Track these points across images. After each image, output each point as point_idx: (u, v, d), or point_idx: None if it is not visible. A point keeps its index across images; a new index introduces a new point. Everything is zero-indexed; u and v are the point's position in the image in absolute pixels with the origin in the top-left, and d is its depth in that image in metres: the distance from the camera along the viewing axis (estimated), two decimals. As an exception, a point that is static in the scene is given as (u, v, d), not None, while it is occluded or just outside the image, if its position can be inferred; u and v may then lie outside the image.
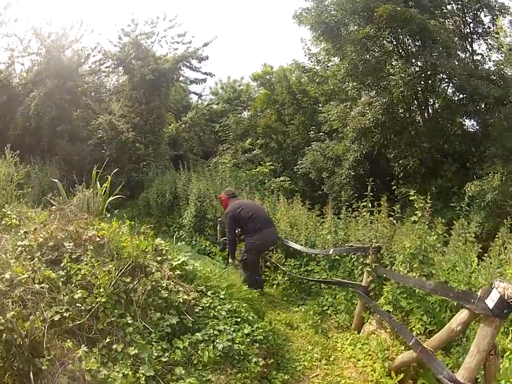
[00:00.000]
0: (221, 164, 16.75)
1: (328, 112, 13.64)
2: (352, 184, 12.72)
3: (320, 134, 15.14)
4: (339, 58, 13.51)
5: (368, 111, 12.02)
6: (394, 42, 12.71)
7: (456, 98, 12.74)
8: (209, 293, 4.47)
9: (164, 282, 4.10)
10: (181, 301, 3.99)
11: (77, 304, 3.41)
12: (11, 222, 5.04)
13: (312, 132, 15.38)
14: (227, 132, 19.29)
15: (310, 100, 16.58)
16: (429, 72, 11.70)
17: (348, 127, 12.49)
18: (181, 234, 11.49)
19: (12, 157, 11.78)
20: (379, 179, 11.04)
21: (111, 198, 6.79)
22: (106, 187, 5.81)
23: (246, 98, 22.36)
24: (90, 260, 4.03)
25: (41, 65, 15.68)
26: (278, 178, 13.84)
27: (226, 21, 47.86)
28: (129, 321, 3.55)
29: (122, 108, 16.26)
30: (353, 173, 12.69)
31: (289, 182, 13.73)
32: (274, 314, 5.93)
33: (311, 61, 15.66)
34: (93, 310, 3.46)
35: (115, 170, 8.27)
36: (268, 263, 7.67)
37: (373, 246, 4.96)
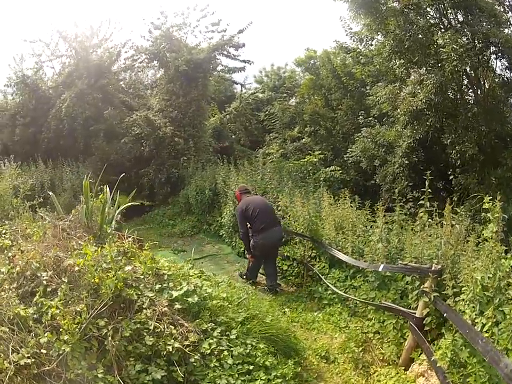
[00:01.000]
0: (267, 155, 15.92)
1: (376, 95, 12.19)
2: (406, 174, 11.35)
3: (370, 118, 13.84)
4: (382, 35, 12.08)
5: (419, 91, 10.52)
6: (438, 15, 11.30)
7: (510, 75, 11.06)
8: (216, 332, 3.58)
9: (151, 324, 3.20)
10: (170, 349, 3.13)
11: (43, 350, 2.90)
12: (3, 243, 4.39)
13: (361, 116, 13.99)
14: (273, 121, 18.26)
15: (357, 82, 15.27)
16: (480, 45, 10.06)
17: (399, 109, 11.01)
18: (221, 233, 10.65)
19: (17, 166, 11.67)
20: (434, 167, 9.76)
21: (121, 208, 6.08)
22: (106, 198, 5.02)
23: (291, 85, 21.17)
24: (64, 296, 3.28)
25: (71, 66, 15.56)
26: (328, 168, 12.58)
27: (261, 7, 46.05)
28: (100, 375, 2.89)
29: (159, 102, 15.66)
30: (406, 162, 11.28)
31: (340, 171, 12.42)
32: (311, 340, 5.02)
33: (353, 40, 14.21)
34: (61, 356, 2.91)
35: (122, 175, 7.45)
36: (311, 272, 6.67)
37: (432, 268, 3.84)
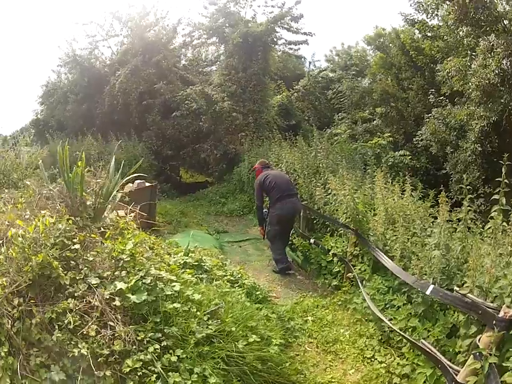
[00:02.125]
0: (335, 135, 14.59)
1: (445, 69, 10.28)
2: (479, 163, 9.48)
3: (441, 98, 11.80)
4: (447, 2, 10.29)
5: (491, 61, 8.60)
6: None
7: None
8: (152, 348, 2.58)
9: (68, 317, 2.55)
10: (76, 353, 2.43)
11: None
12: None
13: (431, 96, 11.99)
14: (342, 99, 16.65)
15: (426, 58, 13.23)
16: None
17: (470, 83, 9.12)
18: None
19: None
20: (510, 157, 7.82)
21: (125, 179, 5.18)
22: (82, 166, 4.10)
23: (362, 65, 19.40)
24: None
25: (126, 45, 15.58)
26: (397, 152, 10.90)
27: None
28: (2, 353, 2.39)
29: (219, 78, 14.74)
30: (480, 148, 9.39)
31: (410, 157, 10.70)
32: (321, 368, 3.75)
33: (418, 11, 12.18)
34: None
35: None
36: (350, 274, 5.32)
37: (500, 314, 2.37)
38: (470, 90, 9.45)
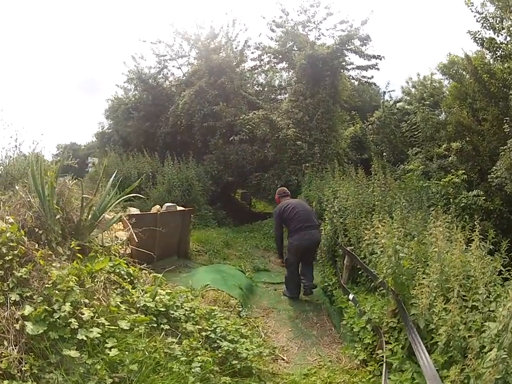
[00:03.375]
0: (407, 171, 12.91)
1: None
2: None
3: None
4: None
5: None
6: None
7: None
8: None
9: None
10: None
11: None
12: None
13: (506, 125, 9.75)
14: (416, 133, 14.80)
15: (499, 82, 11.05)
16: None
17: None
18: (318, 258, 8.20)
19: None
20: None
21: (119, 200, 4.37)
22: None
23: (438, 96, 17.48)
24: None
25: (195, 66, 15.43)
26: (471, 192, 8.93)
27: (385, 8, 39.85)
28: None
29: (286, 104, 13.86)
30: None
31: (484, 198, 8.66)
32: None
33: (485, 27, 10.06)
34: None
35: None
36: (381, 351, 3.75)
37: None
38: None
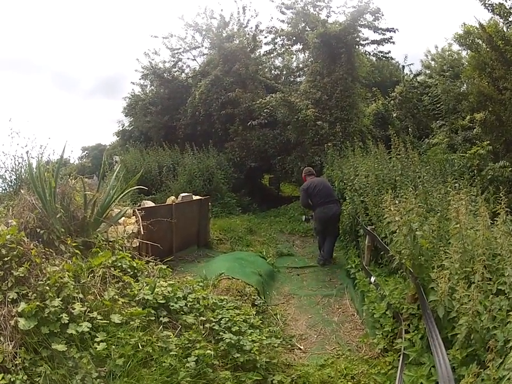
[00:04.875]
0: (432, 145, 12.27)
1: None
2: None
3: None
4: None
5: None
6: None
7: None
8: None
9: None
10: None
11: None
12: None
13: None
14: (438, 105, 13.86)
15: None
16: None
17: None
18: (342, 239, 7.82)
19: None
20: None
21: (123, 194, 4.16)
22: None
23: (458, 68, 16.41)
24: None
25: (209, 56, 15.11)
26: (497, 164, 8.19)
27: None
28: None
29: (304, 85, 13.22)
30: None
31: (511, 169, 7.90)
32: None
33: None
34: None
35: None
36: (400, 340, 3.37)
37: None
38: None
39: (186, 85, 15.32)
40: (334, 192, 7.50)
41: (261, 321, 4.07)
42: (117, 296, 3.22)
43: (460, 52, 16.94)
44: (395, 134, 8.28)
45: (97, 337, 2.70)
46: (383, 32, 12.61)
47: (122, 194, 4.45)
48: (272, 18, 18.02)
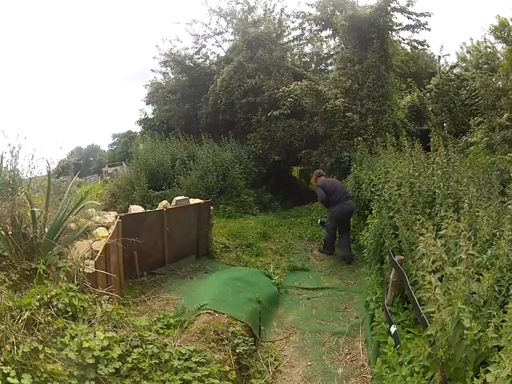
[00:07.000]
0: (470, 144, 10.88)
1: None
2: None
3: None
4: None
5: None
6: None
7: None
8: None
9: None
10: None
11: None
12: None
13: None
14: (477, 100, 12.14)
15: None
16: None
17: None
18: (364, 253, 6.48)
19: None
20: None
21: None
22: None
23: (494, 62, 14.45)
24: None
25: (233, 41, 14.32)
26: None
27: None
28: None
29: (334, 73, 12.01)
30: None
31: None
32: None
33: None
34: None
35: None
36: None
37: None
38: None
39: (209, 72, 14.27)
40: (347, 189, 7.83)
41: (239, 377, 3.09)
42: (40, 347, 2.53)
43: (496, 45, 15.09)
44: (433, 131, 6.89)
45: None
46: (417, 17, 11.19)
47: (77, 209, 3.54)
48: (299, 2, 16.89)
